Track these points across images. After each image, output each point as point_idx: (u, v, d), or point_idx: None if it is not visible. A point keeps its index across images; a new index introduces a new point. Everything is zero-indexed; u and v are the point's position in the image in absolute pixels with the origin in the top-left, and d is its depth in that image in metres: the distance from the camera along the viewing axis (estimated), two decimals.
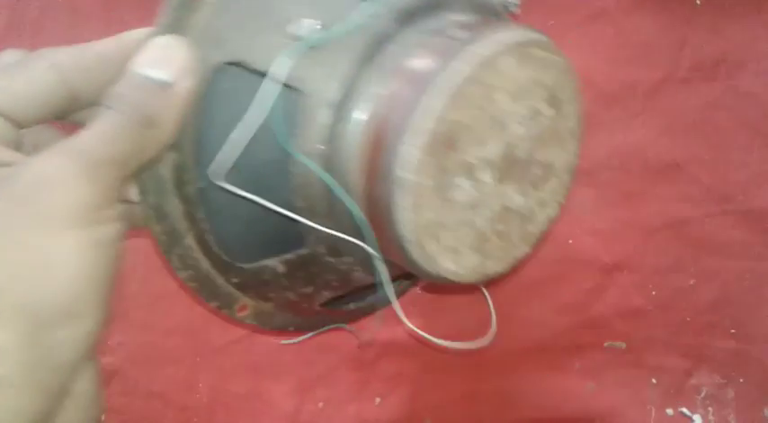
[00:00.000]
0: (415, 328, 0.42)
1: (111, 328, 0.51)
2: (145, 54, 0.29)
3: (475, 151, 0.37)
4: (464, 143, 0.37)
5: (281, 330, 0.48)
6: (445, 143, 0.36)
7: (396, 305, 0.41)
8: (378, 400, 0.54)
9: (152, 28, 0.31)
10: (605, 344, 0.57)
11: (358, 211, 0.37)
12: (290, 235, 0.40)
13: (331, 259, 0.41)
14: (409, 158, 0.35)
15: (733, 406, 0.57)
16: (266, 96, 0.32)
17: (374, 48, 0.37)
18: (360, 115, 0.36)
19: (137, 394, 0.51)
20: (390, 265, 0.40)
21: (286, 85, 0.33)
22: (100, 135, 0.27)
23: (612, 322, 0.57)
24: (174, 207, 0.38)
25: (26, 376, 0.25)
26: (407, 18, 0.38)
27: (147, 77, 0.28)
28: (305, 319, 0.48)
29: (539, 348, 0.56)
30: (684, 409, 0.57)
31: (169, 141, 0.30)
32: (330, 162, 0.37)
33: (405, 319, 0.41)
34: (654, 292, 0.57)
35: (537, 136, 0.40)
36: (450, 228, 0.38)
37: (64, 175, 0.26)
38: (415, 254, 0.37)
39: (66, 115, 0.32)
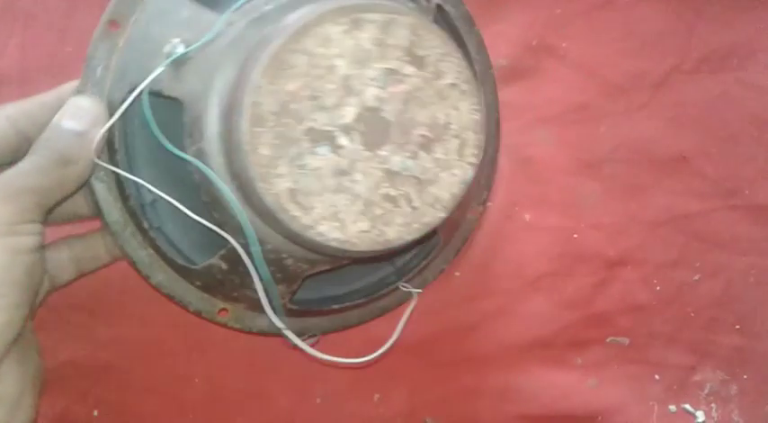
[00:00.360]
0: (292, 337, 0.43)
1: (107, 321, 0.50)
2: (64, 110, 0.37)
3: (324, 118, 0.39)
4: (309, 112, 0.39)
5: (267, 334, 0.48)
6: (282, 114, 0.39)
7: (266, 306, 0.42)
8: (377, 396, 0.53)
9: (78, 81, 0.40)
10: (608, 339, 0.56)
11: (225, 189, 0.40)
12: (220, 232, 0.42)
13: (255, 249, 0.42)
14: (243, 133, 0.38)
15: (737, 402, 0.57)
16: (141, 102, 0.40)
17: (230, 51, 0.41)
18: (214, 107, 0.40)
19: (132, 389, 0.50)
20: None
21: (167, 97, 0.40)
22: (20, 170, 0.35)
23: (616, 317, 0.56)
24: (123, 220, 0.44)
25: None
26: (259, 21, 0.41)
27: (65, 128, 0.37)
28: (292, 321, 0.47)
29: (540, 344, 0.55)
30: (687, 406, 0.56)
31: (86, 176, 0.38)
32: (202, 153, 0.40)
33: (280, 323, 0.43)
34: (658, 287, 0.56)
35: (405, 97, 0.41)
36: (322, 195, 0.40)
37: None
38: (291, 224, 0.39)
39: (21, 155, 0.38)
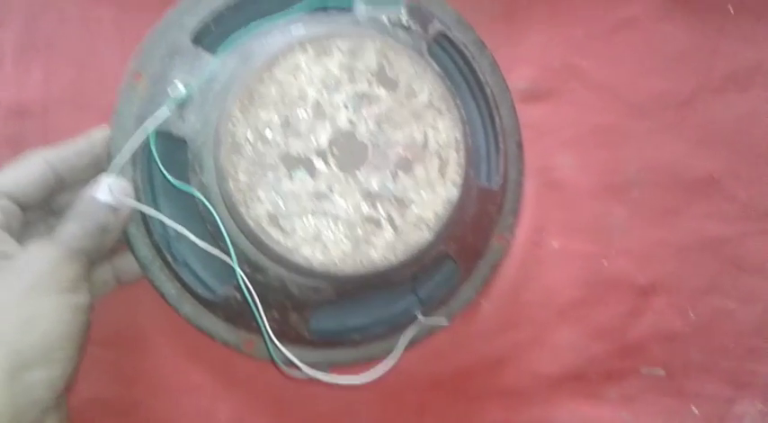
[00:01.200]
0: (300, 365, 0.43)
1: (132, 357, 0.49)
2: (100, 186, 0.41)
3: (298, 144, 0.41)
4: (283, 138, 0.41)
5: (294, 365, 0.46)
6: (257, 141, 0.41)
7: (263, 324, 0.42)
8: None
9: (108, 129, 0.45)
10: (642, 370, 0.54)
11: (214, 214, 0.42)
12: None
13: (260, 277, 0.43)
14: (222, 160, 0.41)
15: None
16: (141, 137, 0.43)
17: (223, 89, 0.42)
18: (210, 142, 0.42)
19: None
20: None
21: (175, 136, 0.43)
22: (74, 234, 0.40)
23: (649, 347, 0.54)
24: (151, 255, 0.46)
25: (6, 406, 0.35)
26: (246, 58, 0.43)
27: (102, 202, 0.41)
28: (310, 351, 0.47)
29: (572, 376, 0.53)
30: None
31: (117, 239, 0.43)
32: (203, 186, 0.43)
33: (281, 347, 0.43)
34: (692, 315, 0.54)
35: (379, 119, 0.42)
36: (303, 218, 0.41)
37: (52, 256, 0.39)
38: (275, 247, 0.41)
39: (56, 194, 0.43)
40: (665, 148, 0.54)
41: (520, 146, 0.51)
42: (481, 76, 0.49)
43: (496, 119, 0.49)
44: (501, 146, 0.50)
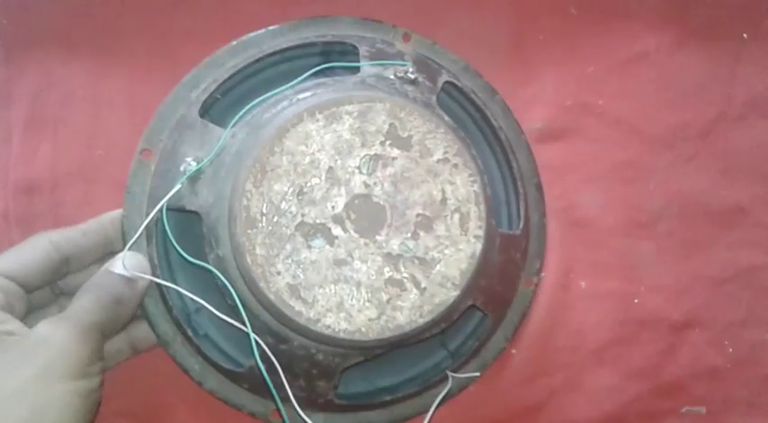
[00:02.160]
0: None
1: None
2: (114, 261, 0.41)
3: (314, 212, 0.41)
4: (298, 208, 0.41)
5: None
6: (272, 213, 0.40)
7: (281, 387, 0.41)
8: None
9: (119, 211, 0.45)
10: (683, 409, 0.52)
11: (231, 289, 0.42)
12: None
13: (284, 347, 0.43)
14: (238, 236, 0.40)
15: None
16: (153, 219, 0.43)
17: (234, 160, 0.42)
18: (224, 215, 0.42)
19: None
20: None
21: (188, 211, 0.43)
22: (84, 307, 0.39)
23: (688, 385, 0.52)
24: (172, 331, 0.45)
25: None
26: (255, 129, 0.43)
27: (116, 274, 0.41)
28: (340, 416, 0.46)
29: (609, 419, 0.51)
30: None
31: (133, 313, 0.42)
32: (220, 260, 0.42)
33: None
34: (730, 349, 0.53)
35: (394, 179, 0.42)
36: (324, 287, 0.40)
37: (64, 336, 0.36)
38: (297, 319, 0.40)
39: (61, 277, 0.43)
40: (688, 179, 0.53)
41: (539, 188, 0.51)
42: (494, 122, 0.49)
43: (513, 163, 0.49)
44: (520, 190, 0.49)
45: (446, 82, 0.48)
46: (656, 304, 0.52)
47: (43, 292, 0.43)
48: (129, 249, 0.42)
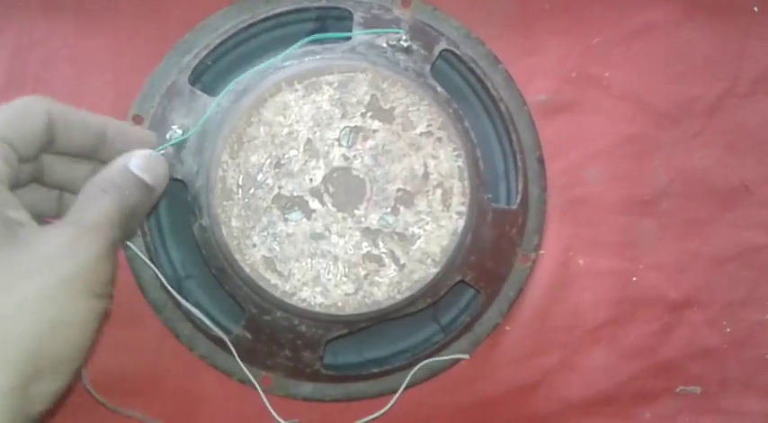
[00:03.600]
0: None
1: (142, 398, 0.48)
2: (139, 159, 0.36)
3: (291, 185, 0.40)
4: (275, 180, 0.40)
5: (311, 401, 0.47)
6: (248, 185, 0.40)
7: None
8: None
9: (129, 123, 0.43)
10: (677, 389, 0.52)
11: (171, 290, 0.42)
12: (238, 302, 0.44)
13: (268, 317, 0.43)
14: (213, 207, 0.40)
15: None
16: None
17: (217, 130, 0.42)
18: (205, 182, 0.41)
19: None
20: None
21: (175, 179, 0.42)
22: (110, 218, 0.33)
23: (684, 365, 0.52)
24: (163, 298, 0.45)
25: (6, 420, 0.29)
26: (238, 99, 0.42)
27: (140, 180, 0.36)
28: (329, 387, 0.46)
29: (604, 398, 0.51)
30: None
31: (140, 225, 0.41)
32: (204, 229, 0.42)
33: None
34: (728, 329, 0.52)
35: (375, 152, 0.41)
36: (300, 261, 0.40)
37: (91, 248, 0.32)
38: (273, 292, 0.40)
39: (38, 156, 0.36)
40: (693, 156, 0.52)
41: (541, 162, 0.49)
42: (494, 92, 0.48)
43: (513, 135, 0.48)
44: (519, 163, 0.48)
45: (444, 50, 0.46)
46: (654, 283, 0.51)
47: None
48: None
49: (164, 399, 0.48)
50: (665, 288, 0.52)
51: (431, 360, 0.46)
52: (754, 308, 0.52)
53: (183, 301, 0.41)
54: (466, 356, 0.47)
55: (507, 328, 0.50)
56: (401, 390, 0.46)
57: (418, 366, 0.46)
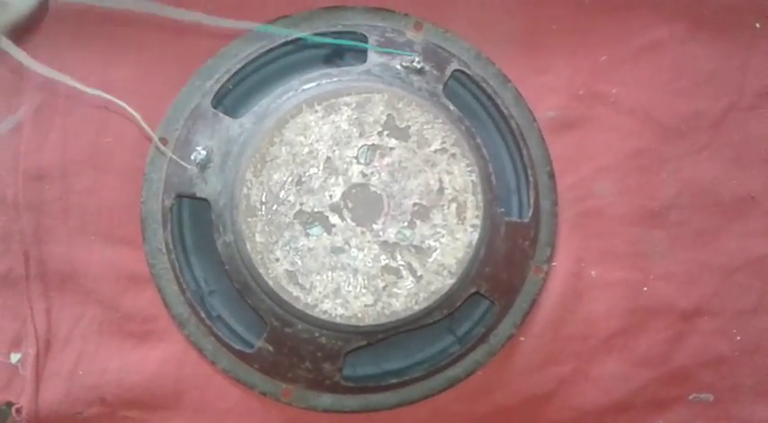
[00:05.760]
0: None
1: (163, 415, 0.49)
2: None
3: (311, 201, 0.43)
4: (297, 197, 0.42)
5: (331, 412, 0.48)
6: (271, 202, 0.42)
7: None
8: None
9: None
10: (690, 397, 0.52)
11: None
12: (260, 316, 0.45)
13: (289, 330, 0.44)
14: (238, 224, 0.42)
15: None
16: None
17: (240, 151, 0.44)
18: (229, 200, 0.43)
19: None
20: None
21: (199, 198, 0.45)
22: None
23: (696, 373, 0.52)
24: (187, 312, 0.47)
25: None
26: (261, 120, 0.44)
27: None
28: (348, 398, 0.48)
29: (618, 407, 0.52)
30: None
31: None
32: (228, 246, 0.44)
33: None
34: (738, 337, 0.53)
35: (392, 169, 0.43)
36: (321, 274, 0.42)
37: None
38: (295, 304, 0.42)
39: None
40: (700, 169, 0.53)
41: (552, 176, 0.51)
42: (505, 110, 0.49)
43: (524, 151, 0.49)
44: (531, 178, 0.49)
45: (456, 70, 0.48)
46: (665, 293, 0.52)
47: None
48: None
49: (186, 413, 0.49)
50: (676, 297, 0.53)
51: (455, 365, 0.48)
52: (763, 316, 0.53)
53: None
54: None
55: (521, 338, 0.51)
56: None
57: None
